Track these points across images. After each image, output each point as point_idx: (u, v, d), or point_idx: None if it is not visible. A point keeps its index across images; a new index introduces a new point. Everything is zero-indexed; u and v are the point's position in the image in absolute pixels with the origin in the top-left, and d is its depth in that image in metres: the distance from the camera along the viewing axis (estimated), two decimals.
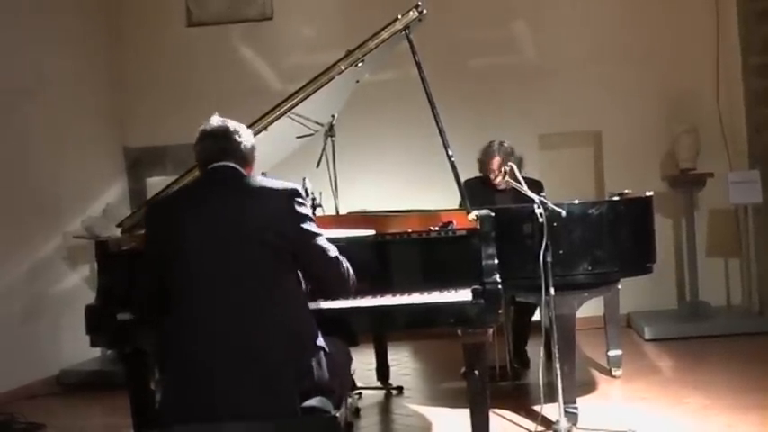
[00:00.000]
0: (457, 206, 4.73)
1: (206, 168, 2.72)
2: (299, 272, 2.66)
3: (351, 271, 2.75)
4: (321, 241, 2.67)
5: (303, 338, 2.56)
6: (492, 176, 4.98)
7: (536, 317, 5.05)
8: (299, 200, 2.63)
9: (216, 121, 2.77)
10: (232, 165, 2.68)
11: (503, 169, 4.02)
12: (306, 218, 2.64)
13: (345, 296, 2.88)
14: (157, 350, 2.69)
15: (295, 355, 2.51)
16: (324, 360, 2.60)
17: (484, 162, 5.01)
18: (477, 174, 5.08)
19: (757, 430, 3.83)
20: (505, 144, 5.01)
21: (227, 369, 2.46)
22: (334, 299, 2.93)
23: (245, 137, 2.76)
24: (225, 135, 2.72)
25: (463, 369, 5.02)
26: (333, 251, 2.69)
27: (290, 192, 2.62)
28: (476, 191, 4.53)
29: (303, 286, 2.70)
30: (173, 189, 3.26)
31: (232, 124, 2.77)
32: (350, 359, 3.01)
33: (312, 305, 2.81)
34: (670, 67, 6.53)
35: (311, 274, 2.73)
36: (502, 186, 4.96)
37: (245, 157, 2.74)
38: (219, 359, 2.46)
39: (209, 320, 2.51)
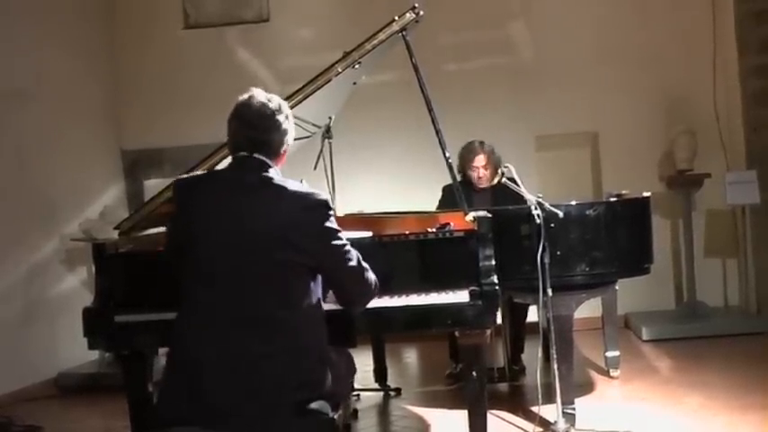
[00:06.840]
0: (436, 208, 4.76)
1: (234, 156, 2.61)
2: (312, 284, 2.55)
3: (376, 284, 2.67)
4: (349, 254, 2.57)
5: (309, 352, 2.49)
6: (474, 175, 4.98)
7: (533, 318, 5.06)
8: (329, 212, 2.53)
9: (255, 99, 2.60)
10: (260, 158, 2.56)
11: (499, 170, 4.01)
12: (333, 232, 2.53)
13: (365, 305, 2.75)
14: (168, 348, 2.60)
15: (298, 368, 2.44)
16: (329, 377, 2.53)
17: (466, 159, 4.99)
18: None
19: (756, 430, 3.83)
20: (486, 143, 5.02)
21: (224, 374, 2.41)
22: (353, 309, 2.81)
23: (280, 122, 2.59)
24: (258, 123, 2.56)
25: (448, 371, 5.08)
26: (356, 262, 2.59)
27: (319, 202, 2.53)
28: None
29: (317, 298, 2.59)
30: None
31: (270, 107, 2.58)
32: (354, 370, 2.92)
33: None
34: (667, 68, 6.53)
35: (334, 284, 2.64)
36: (483, 185, 4.96)
37: (276, 150, 2.60)
38: (218, 363, 2.42)
39: (211, 322, 2.46)
